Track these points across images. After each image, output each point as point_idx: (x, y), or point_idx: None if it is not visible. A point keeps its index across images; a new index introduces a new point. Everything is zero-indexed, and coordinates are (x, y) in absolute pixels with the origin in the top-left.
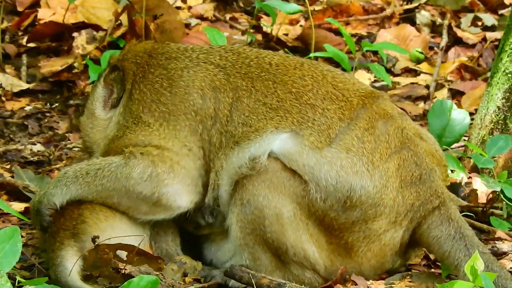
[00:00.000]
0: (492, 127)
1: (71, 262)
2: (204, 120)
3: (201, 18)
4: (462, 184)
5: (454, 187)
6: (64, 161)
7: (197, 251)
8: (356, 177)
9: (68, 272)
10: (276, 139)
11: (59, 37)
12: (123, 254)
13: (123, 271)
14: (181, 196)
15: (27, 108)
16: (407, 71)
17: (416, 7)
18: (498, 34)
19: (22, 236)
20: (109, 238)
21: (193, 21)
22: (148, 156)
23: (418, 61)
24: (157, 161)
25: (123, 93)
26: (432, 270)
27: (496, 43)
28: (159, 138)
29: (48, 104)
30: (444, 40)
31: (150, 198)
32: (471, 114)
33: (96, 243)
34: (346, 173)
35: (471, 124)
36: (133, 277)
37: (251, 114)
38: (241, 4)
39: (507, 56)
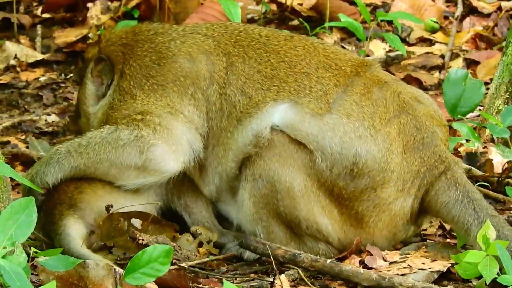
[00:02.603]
0: (508, 96)
1: (73, 229)
2: (196, 81)
3: None
4: (478, 154)
5: (470, 157)
6: None
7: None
8: (360, 142)
9: (72, 238)
10: (276, 111)
11: (73, 7)
12: (137, 222)
13: (140, 241)
14: (169, 156)
15: (42, 78)
16: (422, 40)
17: None
18: None
19: None
20: (123, 207)
21: None
22: (133, 122)
23: (433, 31)
24: (141, 125)
25: (113, 76)
26: (448, 240)
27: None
28: (142, 104)
29: (62, 74)
30: (459, 10)
31: (139, 159)
32: (486, 83)
33: (110, 211)
34: (350, 139)
35: (486, 93)
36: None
37: (247, 81)
38: None
39: None
